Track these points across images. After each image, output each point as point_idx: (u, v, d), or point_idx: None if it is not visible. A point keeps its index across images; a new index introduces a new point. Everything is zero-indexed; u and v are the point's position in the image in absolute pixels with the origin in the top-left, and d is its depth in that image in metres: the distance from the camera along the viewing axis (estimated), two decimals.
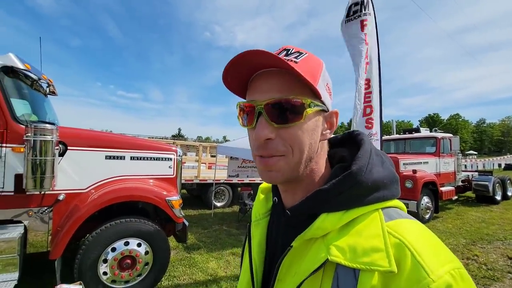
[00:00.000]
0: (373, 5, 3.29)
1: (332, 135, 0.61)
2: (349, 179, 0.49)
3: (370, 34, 3.25)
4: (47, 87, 3.37)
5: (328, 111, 0.56)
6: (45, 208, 2.68)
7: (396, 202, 0.53)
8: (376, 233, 0.45)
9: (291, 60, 0.51)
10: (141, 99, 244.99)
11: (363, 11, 3.23)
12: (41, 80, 3.16)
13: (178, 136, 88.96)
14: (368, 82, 3.21)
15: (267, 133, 0.50)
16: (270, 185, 0.71)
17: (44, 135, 2.44)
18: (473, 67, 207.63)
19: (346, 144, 0.64)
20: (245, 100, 0.55)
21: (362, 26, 3.23)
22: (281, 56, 0.52)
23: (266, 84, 0.51)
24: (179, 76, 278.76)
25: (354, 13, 3.30)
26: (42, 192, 2.66)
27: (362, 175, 0.50)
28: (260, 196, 0.72)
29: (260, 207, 0.69)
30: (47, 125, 2.49)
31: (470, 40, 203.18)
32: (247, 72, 0.53)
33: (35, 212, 2.65)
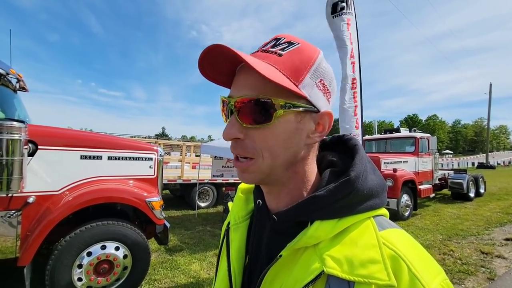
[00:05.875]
0: (354, 5, 3.32)
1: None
2: (347, 185, 0.46)
3: (353, 34, 3.29)
4: (16, 82, 3.16)
5: (319, 111, 0.49)
6: (13, 211, 2.51)
7: (383, 210, 0.52)
8: (372, 243, 0.43)
9: (275, 53, 0.47)
10: (124, 98, 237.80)
11: (348, 10, 3.26)
12: (9, 75, 2.95)
13: (162, 135, 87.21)
14: (354, 81, 3.23)
15: (234, 132, 0.48)
16: (251, 185, 0.66)
17: (11, 133, 2.28)
18: (449, 71, 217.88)
19: (335, 148, 0.61)
20: (225, 95, 0.52)
21: (348, 25, 3.25)
22: (268, 47, 0.49)
23: (241, 79, 0.48)
24: (164, 75, 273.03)
25: (340, 10, 3.30)
26: (10, 195, 2.48)
27: (359, 182, 0.47)
28: (239, 197, 0.67)
29: (239, 209, 0.64)
30: (15, 122, 2.32)
31: (447, 45, 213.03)
32: (228, 65, 0.49)
33: (1, 216, 2.47)
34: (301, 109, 0.47)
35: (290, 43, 0.48)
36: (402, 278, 0.39)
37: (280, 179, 0.51)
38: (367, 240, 0.43)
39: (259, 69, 0.41)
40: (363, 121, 3.32)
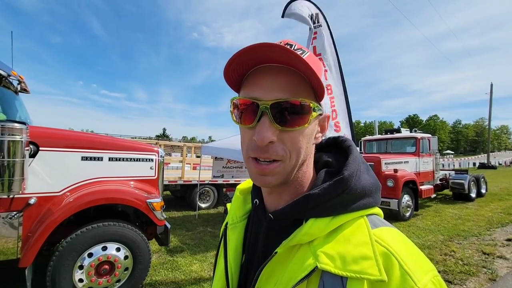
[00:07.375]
0: (324, 16, 3.41)
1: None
2: (341, 184, 0.48)
3: (324, 44, 3.36)
4: (17, 84, 3.18)
5: (323, 114, 0.54)
6: (15, 212, 2.51)
7: (377, 209, 0.53)
8: (364, 240, 0.44)
9: None
10: (125, 99, 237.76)
11: (315, 24, 3.37)
12: (10, 77, 2.97)
13: (163, 136, 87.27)
14: (330, 87, 3.38)
15: (270, 135, 0.46)
16: (249, 186, 0.68)
17: (12, 135, 2.28)
18: (450, 71, 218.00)
19: (330, 149, 0.62)
20: (241, 96, 0.50)
21: (311, 39, 3.37)
22: None
23: (269, 81, 0.47)
24: (165, 76, 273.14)
25: (313, 22, 3.45)
26: (11, 196, 2.49)
27: (352, 181, 0.49)
28: (237, 197, 0.68)
29: (237, 209, 0.65)
30: (16, 124, 2.33)
31: (448, 45, 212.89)
32: (250, 66, 0.48)
33: (3, 217, 2.47)
34: (320, 111, 0.51)
35: (302, 51, 0.50)
36: (393, 274, 0.40)
37: (292, 178, 0.52)
38: (360, 238, 0.45)
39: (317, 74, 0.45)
40: (353, 122, 3.46)
